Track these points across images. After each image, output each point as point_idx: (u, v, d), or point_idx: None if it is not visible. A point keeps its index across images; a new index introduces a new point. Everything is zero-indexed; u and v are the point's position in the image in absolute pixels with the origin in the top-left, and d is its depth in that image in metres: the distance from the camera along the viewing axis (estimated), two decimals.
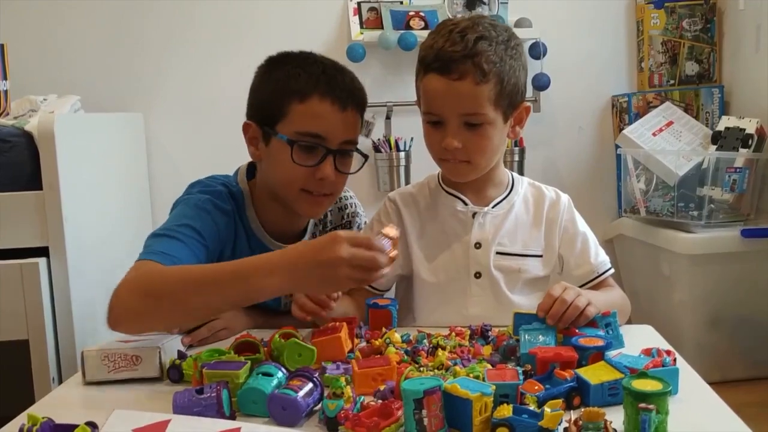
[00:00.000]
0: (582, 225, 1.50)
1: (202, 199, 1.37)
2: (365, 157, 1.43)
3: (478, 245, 1.42)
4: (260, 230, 1.44)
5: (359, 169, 1.43)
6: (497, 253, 1.42)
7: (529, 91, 2.77)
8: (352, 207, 1.57)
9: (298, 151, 1.32)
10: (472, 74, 1.29)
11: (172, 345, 1.23)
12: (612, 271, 1.50)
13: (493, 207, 1.45)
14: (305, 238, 1.50)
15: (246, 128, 1.42)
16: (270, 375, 1.04)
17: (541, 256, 1.46)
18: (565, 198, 1.52)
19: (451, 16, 2.70)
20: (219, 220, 1.36)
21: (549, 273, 1.47)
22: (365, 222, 1.58)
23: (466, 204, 1.45)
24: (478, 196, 1.46)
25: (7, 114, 2.14)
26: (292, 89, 1.33)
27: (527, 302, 1.42)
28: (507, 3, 2.76)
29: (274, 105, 1.34)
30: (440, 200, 1.47)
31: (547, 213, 1.47)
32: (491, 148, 1.37)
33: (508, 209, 1.46)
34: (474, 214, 1.44)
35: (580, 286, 1.42)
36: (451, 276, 1.43)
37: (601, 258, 1.48)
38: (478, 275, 1.42)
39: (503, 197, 1.47)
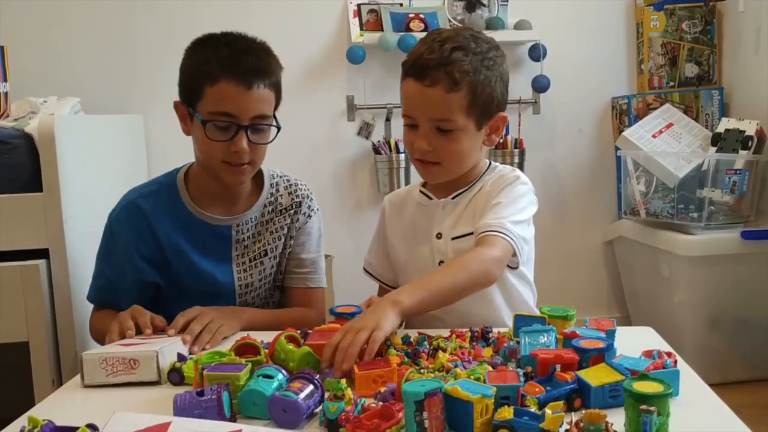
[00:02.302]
0: (508, 194, 1.42)
1: (105, 230, 1.58)
2: (278, 128, 1.53)
3: (439, 235, 1.48)
4: (193, 207, 1.56)
5: (273, 140, 1.54)
6: (452, 238, 1.45)
7: (529, 93, 2.78)
8: (302, 190, 1.66)
9: (211, 129, 1.46)
10: (444, 82, 1.36)
11: (170, 349, 1.22)
12: (508, 237, 1.34)
13: (453, 198, 1.49)
14: (253, 215, 1.60)
15: (176, 107, 1.55)
16: (270, 377, 1.04)
17: None
18: (507, 169, 1.50)
19: (451, 18, 2.72)
20: (126, 230, 1.54)
21: None
22: (317, 210, 1.67)
23: (431, 198, 1.51)
24: (445, 192, 1.50)
25: (7, 116, 2.14)
26: (204, 73, 1.46)
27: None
28: (507, 5, 2.76)
29: (192, 87, 1.48)
30: (418, 200, 1.55)
31: (486, 192, 1.45)
32: (461, 153, 1.43)
33: (469, 199, 1.47)
34: (440, 207, 1.49)
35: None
36: (420, 267, 1.49)
37: (498, 220, 1.36)
38: (441, 264, 1.46)
39: (463, 190, 1.49)
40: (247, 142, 1.46)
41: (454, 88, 1.36)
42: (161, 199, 1.55)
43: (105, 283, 1.56)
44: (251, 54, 1.49)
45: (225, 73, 1.44)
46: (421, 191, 1.53)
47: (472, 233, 1.41)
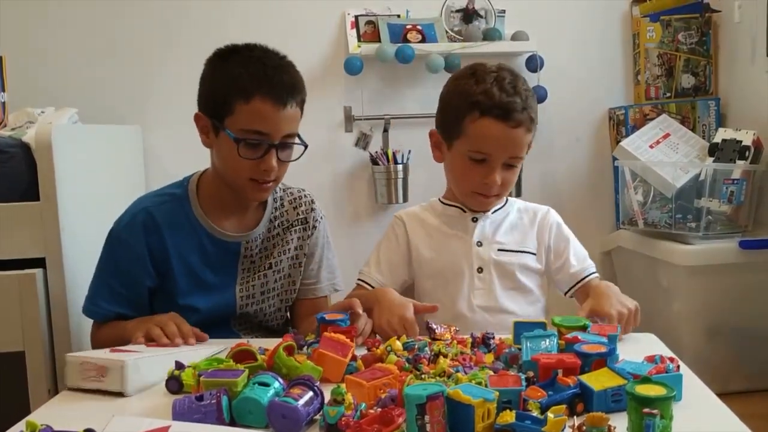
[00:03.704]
0: (568, 231, 1.68)
1: (110, 242, 1.55)
2: (305, 145, 1.52)
3: (479, 243, 1.60)
4: (206, 221, 1.55)
5: (299, 157, 1.53)
6: (498, 249, 1.60)
7: None
8: (306, 203, 1.67)
9: (243, 147, 1.44)
10: (526, 124, 1.50)
11: (144, 362, 1.20)
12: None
13: (492, 213, 1.64)
14: (259, 232, 1.60)
15: (197, 119, 1.52)
16: (267, 385, 1.03)
17: (534, 254, 1.63)
18: (553, 210, 1.70)
19: (448, 30, 2.73)
20: (137, 238, 1.51)
21: (542, 268, 1.63)
22: (322, 216, 1.69)
23: (464, 211, 1.63)
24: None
25: (5, 126, 2.13)
26: (237, 89, 1.43)
27: (524, 295, 1.60)
28: (504, 16, 2.78)
29: (221, 101, 1.45)
30: (443, 211, 1.66)
31: (539, 221, 1.66)
32: (515, 181, 1.59)
33: (504, 216, 1.65)
34: (474, 219, 1.62)
35: (574, 285, 1.62)
36: (457, 271, 1.59)
37: (589, 261, 1.65)
38: (480, 270, 1.58)
39: (500, 207, 1.66)
40: (276, 160, 1.46)
41: (531, 127, 1.52)
42: (173, 210, 1.54)
43: (112, 297, 1.52)
44: (283, 71, 1.48)
45: (260, 91, 1.42)
46: (450, 205, 1.65)
47: (517, 251, 1.60)
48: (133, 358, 1.18)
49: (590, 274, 1.60)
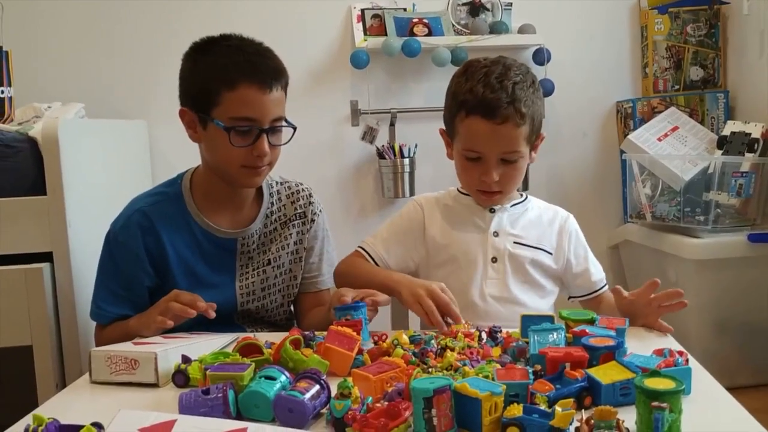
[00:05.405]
0: (585, 241, 1.67)
1: (108, 244, 1.55)
2: (294, 128, 1.53)
3: (496, 234, 1.59)
4: (200, 218, 1.55)
5: (289, 140, 1.53)
6: (515, 242, 1.59)
7: None
8: (304, 197, 1.66)
9: (234, 135, 1.44)
10: (514, 119, 1.47)
11: (171, 352, 1.21)
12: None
13: (511, 206, 1.63)
14: (257, 227, 1.59)
15: (182, 114, 1.53)
16: (273, 378, 1.03)
17: (551, 253, 1.62)
18: (572, 217, 1.69)
19: (454, 24, 2.72)
20: (134, 238, 1.52)
21: (558, 269, 1.62)
22: (320, 209, 1.68)
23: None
24: None
25: (12, 120, 2.13)
26: (221, 79, 1.44)
27: (535, 289, 1.59)
28: (510, 9, 2.76)
29: (207, 93, 1.46)
30: (460, 200, 1.65)
31: (559, 225, 1.65)
32: (520, 177, 1.57)
33: (523, 211, 1.64)
34: (492, 210, 1.61)
35: (592, 292, 1.64)
36: (471, 259, 1.58)
37: (602, 274, 1.66)
38: (494, 260, 1.58)
39: (519, 202, 1.65)
40: (268, 144, 1.46)
41: (521, 122, 1.47)
42: (168, 209, 1.54)
43: (115, 299, 1.53)
44: (264, 56, 1.49)
45: (245, 78, 1.43)
46: (468, 195, 1.63)
47: (534, 247, 1.59)
48: (161, 348, 1.19)
49: (605, 285, 1.64)
